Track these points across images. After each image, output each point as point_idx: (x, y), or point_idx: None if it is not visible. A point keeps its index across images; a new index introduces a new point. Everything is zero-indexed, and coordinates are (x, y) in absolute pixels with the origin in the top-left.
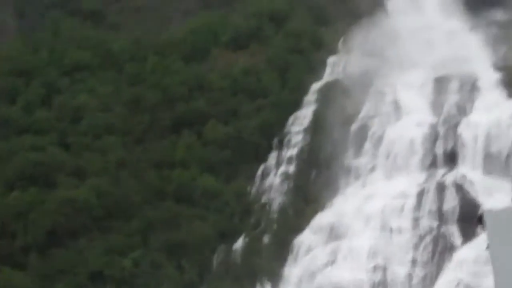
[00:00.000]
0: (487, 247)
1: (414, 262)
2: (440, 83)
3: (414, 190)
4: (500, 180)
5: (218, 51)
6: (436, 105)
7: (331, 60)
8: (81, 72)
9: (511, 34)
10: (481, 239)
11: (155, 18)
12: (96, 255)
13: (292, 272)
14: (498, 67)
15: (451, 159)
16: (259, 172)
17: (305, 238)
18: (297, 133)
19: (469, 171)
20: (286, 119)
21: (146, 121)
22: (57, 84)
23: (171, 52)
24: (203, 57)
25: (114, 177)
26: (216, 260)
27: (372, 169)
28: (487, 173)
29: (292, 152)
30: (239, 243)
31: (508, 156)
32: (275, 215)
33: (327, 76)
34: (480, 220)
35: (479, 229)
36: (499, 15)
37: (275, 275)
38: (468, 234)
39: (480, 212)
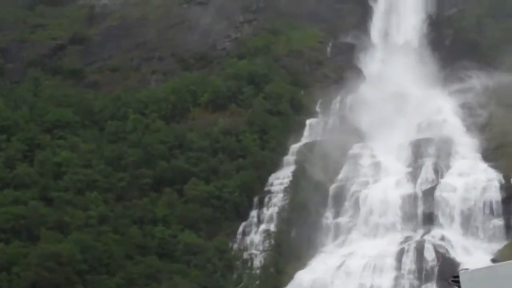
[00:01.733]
0: None
1: None
2: (417, 147)
3: (394, 250)
4: (477, 240)
5: (198, 111)
6: (414, 168)
7: (309, 122)
8: (62, 129)
9: (483, 101)
10: None
11: (134, 77)
12: None
13: None
14: (473, 133)
15: (429, 220)
16: (240, 229)
17: None
18: (278, 192)
19: (448, 231)
20: (266, 178)
21: (127, 178)
22: (38, 140)
23: (151, 111)
24: (182, 117)
25: (96, 232)
26: None
27: (352, 228)
28: (464, 234)
29: (272, 210)
30: None
31: (484, 217)
32: (257, 272)
33: (306, 137)
34: (455, 280)
35: None
36: (472, 82)
37: None
38: None
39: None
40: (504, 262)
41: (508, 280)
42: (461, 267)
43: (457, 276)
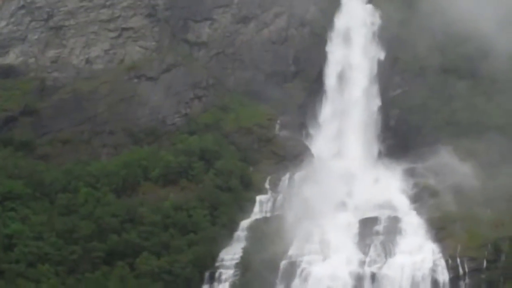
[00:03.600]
0: None
1: None
2: (365, 225)
3: None
4: None
5: (148, 186)
6: (362, 245)
7: (259, 198)
8: (13, 201)
9: (429, 181)
10: None
11: (85, 150)
12: None
13: None
14: (420, 212)
15: None
16: None
17: None
18: (229, 268)
19: None
20: (217, 254)
21: (79, 251)
22: None
23: (103, 184)
24: (133, 191)
25: None
26: None
27: None
28: None
29: (223, 286)
30: None
31: None
32: None
33: (256, 213)
34: None
35: None
36: (418, 163)
37: None
38: None
39: None
40: None
41: None
42: None
43: None
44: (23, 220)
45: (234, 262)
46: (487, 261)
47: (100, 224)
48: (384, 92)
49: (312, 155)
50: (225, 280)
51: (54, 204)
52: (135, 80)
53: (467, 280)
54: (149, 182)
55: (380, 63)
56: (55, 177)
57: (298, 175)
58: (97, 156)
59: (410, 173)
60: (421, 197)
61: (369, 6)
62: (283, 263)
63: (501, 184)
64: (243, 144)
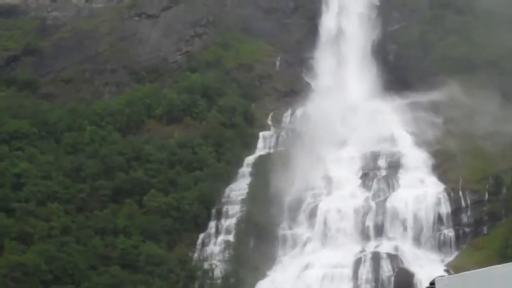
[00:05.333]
0: None
1: None
2: (368, 160)
3: (350, 260)
4: (428, 251)
5: (153, 123)
6: (365, 180)
7: (262, 135)
8: (20, 140)
9: (430, 115)
10: None
11: (87, 89)
12: None
13: None
14: (421, 146)
15: (382, 231)
16: (200, 240)
17: None
18: (234, 203)
19: (400, 243)
20: (223, 190)
21: (87, 190)
22: None
23: (107, 123)
24: (138, 129)
25: (59, 243)
26: None
27: (308, 239)
28: (416, 245)
29: (230, 222)
30: None
31: (434, 229)
32: (218, 282)
33: (260, 150)
34: (431, 287)
35: None
36: (418, 97)
37: None
38: None
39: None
40: (480, 269)
41: (483, 286)
42: (415, 277)
43: (433, 283)
44: (30, 159)
45: (240, 198)
46: (489, 194)
47: (107, 163)
48: (382, 28)
49: (312, 91)
50: (232, 216)
51: (60, 143)
52: (136, 18)
53: (469, 212)
54: (153, 120)
55: None
56: (60, 116)
57: (299, 111)
58: (99, 95)
59: (410, 108)
60: (422, 131)
61: None
62: (287, 199)
63: (500, 116)
64: (244, 80)
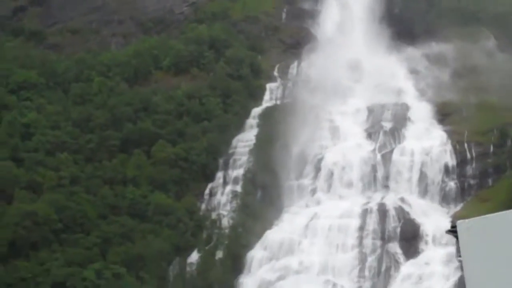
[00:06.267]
0: (460, 256)
1: (361, 277)
2: (374, 112)
3: (357, 211)
4: (434, 202)
5: (160, 74)
6: (371, 132)
7: (269, 86)
8: (28, 91)
9: (436, 67)
10: (423, 257)
11: (95, 39)
12: (57, 267)
13: (246, 284)
14: (427, 99)
15: (388, 182)
16: (207, 190)
17: (256, 253)
18: (242, 154)
19: (406, 194)
20: (230, 141)
21: (96, 140)
22: (4, 101)
23: (115, 73)
24: (145, 80)
25: (69, 192)
26: (172, 272)
27: (314, 190)
28: (422, 196)
29: (238, 172)
30: (193, 257)
31: (440, 180)
32: (226, 231)
33: (267, 101)
34: (452, 230)
35: (421, 245)
36: (423, 49)
37: (230, 287)
38: (410, 252)
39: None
40: (502, 212)
41: (505, 230)
42: (421, 228)
43: (455, 226)
44: (38, 109)
45: (247, 148)
46: (494, 146)
47: (115, 113)
48: None
49: (318, 43)
50: (239, 166)
51: (68, 94)
52: None
53: (474, 165)
54: (160, 71)
55: None
56: (67, 67)
57: (305, 63)
58: (107, 45)
59: (415, 60)
60: (427, 83)
61: None
62: (294, 150)
63: (506, 70)
64: (251, 32)
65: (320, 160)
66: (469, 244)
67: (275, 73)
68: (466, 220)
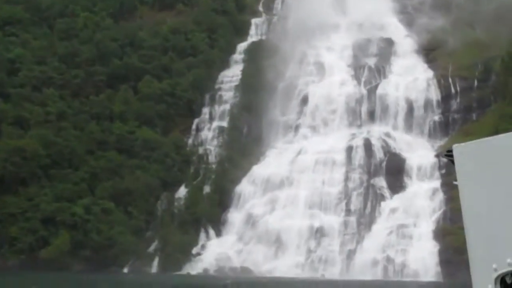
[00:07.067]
0: (456, 181)
1: (348, 211)
2: (359, 47)
3: (342, 145)
4: (419, 137)
5: (145, 10)
6: (357, 67)
7: (254, 21)
8: (13, 26)
9: (419, 2)
10: (408, 192)
11: None
12: (46, 202)
13: (234, 218)
14: (412, 34)
15: (373, 117)
16: (194, 125)
17: (244, 188)
18: (228, 90)
19: (391, 128)
20: (216, 76)
21: (82, 75)
22: None
23: (100, 8)
24: (130, 14)
25: (56, 128)
26: (160, 207)
27: (300, 125)
28: (406, 132)
29: (224, 107)
30: (181, 192)
31: (425, 116)
32: (213, 166)
33: (252, 36)
34: (448, 154)
35: (406, 180)
36: None
37: (218, 222)
38: (395, 187)
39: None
40: (499, 135)
41: (501, 153)
42: (406, 162)
43: (450, 151)
44: (24, 44)
45: (233, 84)
46: (478, 80)
47: (101, 48)
48: None
49: None
50: (225, 102)
51: (53, 29)
52: None
53: (458, 99)
54: (145, 6)
55: None
56: (52, 2)
57: None
58: None
59: None
60: (413, 18)
61: None
62: (280, 85)
63: (490, 4)
64: None
65: (305, 96)
66: (465, 168)
67: (260, 8)
68: (462, 144)
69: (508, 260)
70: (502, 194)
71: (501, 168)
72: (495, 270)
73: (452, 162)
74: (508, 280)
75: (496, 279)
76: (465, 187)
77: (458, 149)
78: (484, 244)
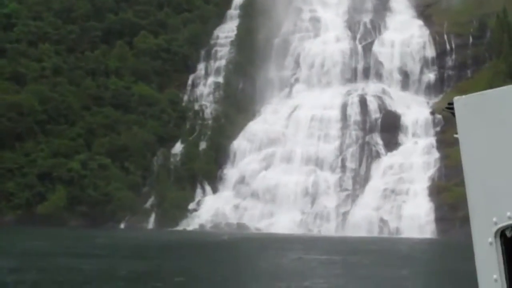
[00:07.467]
0: (456, 133)
1: (343, 168)
2: (354, 3)
3: (338, 102)
4: (414, 93)
5: None
6: (352, 23)
7: None
8: None
9: None
10: (404, 148)
11: None
12: (43, 157)
13: (230, 174)
14: None
15: (369, 74)
16: (190, 81)
17: (240, 144)
18: (223, 45)
19: (387, 85)
20: (211, 32)
21: (77, 31)
22: None
23: None
24: None
25: (52, 83)
26: (156, 162)
27: (295, 81)
28: (402, 88)
29: (219, 63)
30: (177, 148)
31: (420, 73)
32: (209, 122)
33: None
34: (449, 107)
35: (401, 136)
36: None
37: (214, 178)
38: (391, 144)
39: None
40: (500, 88)
41: (503, 105)
42: (401, 119)
43: (451, 103)
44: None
45: (229, 40)
46: (473, 37)
47: (96, 3)
48: None
49: None
50: (221, 58)
51: None
52: None
53: (453, 56)
54: None
55: None
56: None
57: None
58: None
59: None
60: None
61: None
62: (275, 41)
63: None
64: None
65: (301, 52)
66: (466, 120)
67: None
68: (463, 96)
69: (508, 214)
70: (504, 147)
71: (503, 121)
72: (495, 223)
73: (453, 115)
74: (508, 234)
75: (496, 232)
76: (466, 140)
77: (460, 101)
78: (484, 197)
